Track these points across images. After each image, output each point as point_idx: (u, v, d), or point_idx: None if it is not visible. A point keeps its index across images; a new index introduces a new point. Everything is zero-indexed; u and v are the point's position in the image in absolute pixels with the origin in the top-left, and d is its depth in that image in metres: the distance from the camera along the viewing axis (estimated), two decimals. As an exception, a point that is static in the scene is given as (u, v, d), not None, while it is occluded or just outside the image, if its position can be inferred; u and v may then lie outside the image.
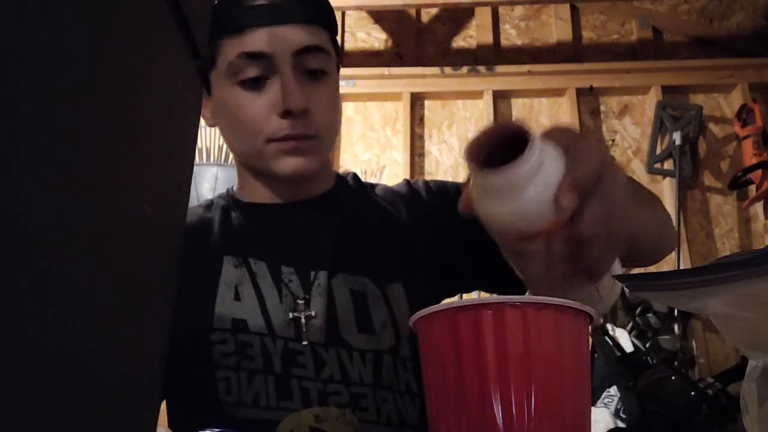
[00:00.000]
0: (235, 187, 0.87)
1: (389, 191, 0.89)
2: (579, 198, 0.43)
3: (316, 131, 0.76)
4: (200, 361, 0.73)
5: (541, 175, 0.42)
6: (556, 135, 0.46)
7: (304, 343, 0.73)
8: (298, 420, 0.52)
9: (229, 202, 0.85)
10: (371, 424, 0.71)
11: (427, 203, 0.86)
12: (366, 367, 0.73)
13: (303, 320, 0.74)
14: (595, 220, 0.43)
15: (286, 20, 0.74)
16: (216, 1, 0.75)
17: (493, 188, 0.44)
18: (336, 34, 0.82)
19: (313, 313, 0.75)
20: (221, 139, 0.92)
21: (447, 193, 0.87)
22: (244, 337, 0.73)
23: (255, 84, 0.74)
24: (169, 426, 0.76)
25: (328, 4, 0.80)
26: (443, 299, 0.86)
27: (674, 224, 2.24)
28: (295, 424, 0.51)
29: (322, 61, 0.76)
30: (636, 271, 2.31)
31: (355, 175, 0.91)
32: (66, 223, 0.20)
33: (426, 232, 0.83)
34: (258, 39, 0.73)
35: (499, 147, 0.45)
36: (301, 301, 0.75)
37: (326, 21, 0.78)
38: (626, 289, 0.51)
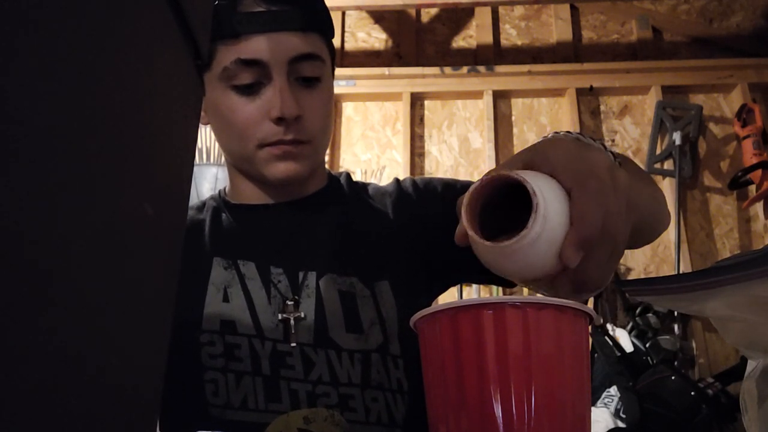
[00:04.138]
0: (226, 188, 0.88)
1: (379, 191, 0.89)
2: (584, 251, 0.42)
3: (309, 137, 0.77)
4: (188, 363, 0.73)
5: (544, 234, 0.41)
6: (560, 170, 0.44)
7: (293, 344, 0.73)
8: (286, 422, 0.51)
9: (220, 203, 0.85)
10: (360, 425, 0.71)
11: (414, 201, 0.86)
12: (354, 368, 0.73)
13: (292, 322, 0.74)
14: (600, 262, 0.43)
15: (282, 27, 0.74)
16: (215, 2, 0.75)
17: (495, 254, 0.44)
18: (332, 38, 0.82)
19: (302, 315, 0.75)
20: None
21: (434, 190, 0.88)
22: (233, 339, 0.73)
23: (249, 89, 0.75)
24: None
25: (325, 9, 0.80)
26: (431, 295, 0.86)
27: (674, 224, 2.24)
28: (283, 425, 0.51)
29: (317, 68, 0.76)
30: (635, 275, 2.31)
31: (347, 175, 0.91)
32: (66, 224, 0.20)
33: (413, 230, 0.84)
34: (254, 46, 0.73)
35: (496, 193, 0.44)
36: (290, 303, 0.75)
37: (322, 27, 0.78)
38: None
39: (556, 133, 0.54)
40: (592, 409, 1.73)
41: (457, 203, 0.47)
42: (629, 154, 2.49)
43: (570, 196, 0.43)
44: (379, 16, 2.73)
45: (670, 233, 2.28)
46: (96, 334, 0.22)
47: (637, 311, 2.11)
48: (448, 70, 2.53)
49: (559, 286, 0.44)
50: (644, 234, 0.67)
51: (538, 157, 0.46)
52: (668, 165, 2.40)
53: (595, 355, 1.89)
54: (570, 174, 0.44)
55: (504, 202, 0.45)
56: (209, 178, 2.36)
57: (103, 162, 0.22)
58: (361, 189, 0.90)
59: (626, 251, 0.53)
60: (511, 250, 0.42)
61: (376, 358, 0.74)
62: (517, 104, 2.57)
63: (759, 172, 2.27)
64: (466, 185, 0.88)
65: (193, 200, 0.88)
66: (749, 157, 2.31)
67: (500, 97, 2.54)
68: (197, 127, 0.35)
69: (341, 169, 2.45)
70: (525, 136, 2.52)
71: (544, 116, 2.55)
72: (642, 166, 2.42)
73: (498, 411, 0.38)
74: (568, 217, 0.42)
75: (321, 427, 0.52)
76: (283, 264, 0.78)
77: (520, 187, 0.42)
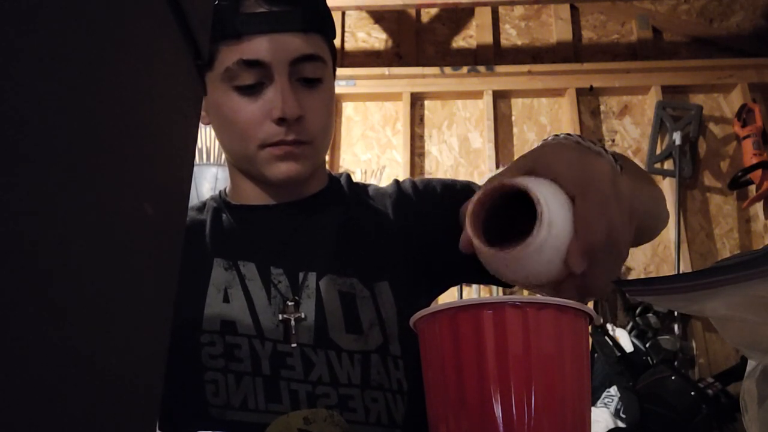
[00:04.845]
0: (227, 189, 0.88)
1: (379, 192, 0.90)
2: (589, 258, 0.43)
3: (310, 137, 0.77)
4: (188, 363, 0.73)
5: (549, 241, 0.42)
6: (562, 178, 0.45)
7: (293, 345, 0.74)
8: (286, 422, 0.51)
9: (220, 204, 0.85)
10: (360, 425, 0.71)
11: (414, 202, 0.87)
12: (354, 368, 0.74)
13: (292, 322, 0.75)
14: (605, 269, 0.44)
15: (285, 28, 0.74)
16: (216, 2, 0.76)
17: (501, 262, 0.44)
18: (333, 38, 0.82)
19: (302, 315, 0.75)
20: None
21: (434, 190, 0.88)
22: (233, 339, 0.73)
23: (251, 90, 0.75)
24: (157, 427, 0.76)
25: (327, 10, 0.80)
26: (431, 296, 0.86)
27: (674, 224, 2.24)
28: (283, 426, 0.51)
29: (318, 69, 0.77)
30: (635, 275, 2.31)
31: (347, 176, 0.92)
32: (66, 224, 0.20)
33: (413, 231, 0.84)
34: (256, 47, 0.73)
35: (499, 199, 0.45)
36: (290, 303, 0.75)
37: (324, 28, 0.79)
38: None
39: (556, 135, 0.54)
40: (592, 409, 1.73)
41: (461, 211, 0.47)
42: (629, 154, 2.49)
43: (574, 203, 0.44)
44: (379, 16, 2.73)
45: (670, 233, 2.28)
46: (96, 334, 0.22)
47: (637, 311, 2.11)
48: (448, 70, 2.53)
49: (563, 292, 0.45)
50: (644, 234, 0.68)
51: (539, 164, 0.46)
52: (668, 165, 2.40)
53: (595, 355, 1.89)
54: (573, 182, 0.44)
55: (507, 206, 0.45)
56: (209, 178, 2.36)
57: (103, 162, 0.22)
58: (361, 190, 0.90)
59: (626, 251, 0.54)
60: (517, 258, 0.42)
61: (375, 359, 0.75)
62: (517, 104, 2.57)
63: (759, 172, 2.27)
64: (465, 185, 0.88)
65: (193, 200, 0.88)
66: (749, 157, 2.31)
67: (500, 97, 2.54)
68: (197, 127, 0.35)
69: (341, 169, 2.45)
70: (525, 136, 2.52)
71: (544, 116, 2.55)
72: (642, 166, 2.42)
73: (498, 411, 0.38)
74: (572, 223, 0.43)
75: (321, 427, 0.52)
76: (284, 264, 0.78)
77: (524, 193, 0.42)
